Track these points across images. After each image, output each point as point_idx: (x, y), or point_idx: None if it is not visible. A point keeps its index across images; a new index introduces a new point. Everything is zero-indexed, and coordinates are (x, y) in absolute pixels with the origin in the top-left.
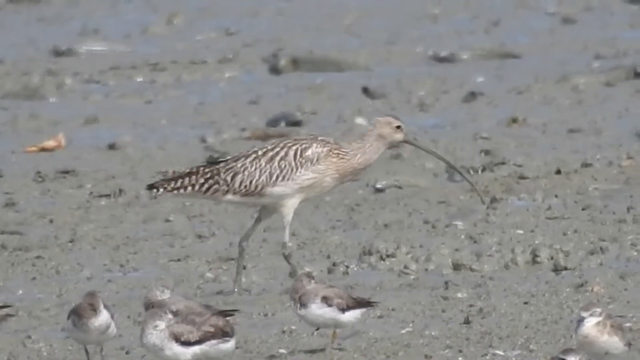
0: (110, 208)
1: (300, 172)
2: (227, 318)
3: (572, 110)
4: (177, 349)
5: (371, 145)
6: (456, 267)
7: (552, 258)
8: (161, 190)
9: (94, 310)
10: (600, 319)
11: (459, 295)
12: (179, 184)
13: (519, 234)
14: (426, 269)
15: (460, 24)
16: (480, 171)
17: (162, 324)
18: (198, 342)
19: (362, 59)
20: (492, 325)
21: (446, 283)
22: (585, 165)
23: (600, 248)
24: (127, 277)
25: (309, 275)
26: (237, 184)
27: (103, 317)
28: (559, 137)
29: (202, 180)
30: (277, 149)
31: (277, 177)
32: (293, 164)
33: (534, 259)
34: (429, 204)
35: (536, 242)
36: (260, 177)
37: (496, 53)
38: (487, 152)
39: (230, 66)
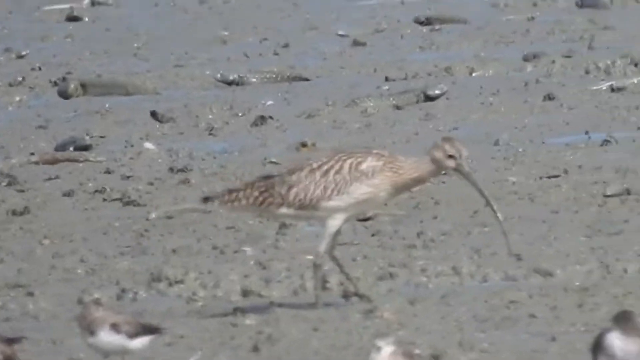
0: None
1: (355, 185)
2: (14, 346)
3: (362, 133)
4: None
5: (424, 164)
6: (245, 293)
7: (341, 284)
8: (216, 202)
9: None
10: (394, 348)
11: (248, 321)
12: (234, 196)
13: (309, 260)
14: (215, 295)
15: (249, 47)
16: None
17: None
18: None
19: (150, 82)
20: (281, 352)
21: (235, 309)
22: None
23: (390, 274)
24: None
25: (97, 302)
26: (291, 197)
27: None
28: None
29: (256, 193)
30: (332, 162)
31: (332, 191)
32: (348, 177)
33: (324, 285)
34: (218, 229)
35: (325, 268)
36: (315, 190)
37: (285, 76)
38: None
39: (19, 90)
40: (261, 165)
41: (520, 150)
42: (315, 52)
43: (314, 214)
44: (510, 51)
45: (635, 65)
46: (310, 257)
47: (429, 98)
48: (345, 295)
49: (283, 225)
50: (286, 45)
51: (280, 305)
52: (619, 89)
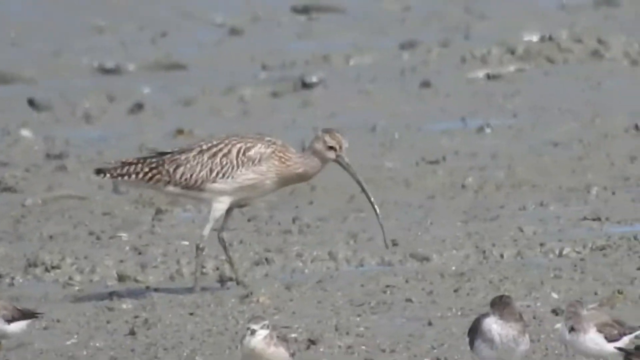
0: None
1: (241, 170)
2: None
3: (239, 121)
4: None
5: (309, 158)
6: (121, 278)
7: (217, 269)
8: (107, 175)
9: None
10: (268, 331)
11: (124, 306)
12: (125, 170)
13: (185, 245)
14: (91, 280)
15: (127, 35)
16: None
17: None
18: None
19: (27, 71)
20: (157, 336)
21: (111, 294)
22: None
23: (266, 259)
24: None
25: None
26: (178, 176)
27: None
28: None
29: (146, 169)
30: (221, 145)
31: (218, 174)
32: (235, 162)
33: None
34: (94, 215)
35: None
36: (201, 172)
37: (163, 64)
38: None
39: None
40: (138, 152)
41: (396, 136)
42: (192, 40)
43: (199, 194)
44: (387, 40)
45: (511, 53)
46: (186, 242)
47: (307, 86)
48: (222, 280)
49: (159, 211)
50: (164, 34)
51: (157, 290)
52: (495, 77)
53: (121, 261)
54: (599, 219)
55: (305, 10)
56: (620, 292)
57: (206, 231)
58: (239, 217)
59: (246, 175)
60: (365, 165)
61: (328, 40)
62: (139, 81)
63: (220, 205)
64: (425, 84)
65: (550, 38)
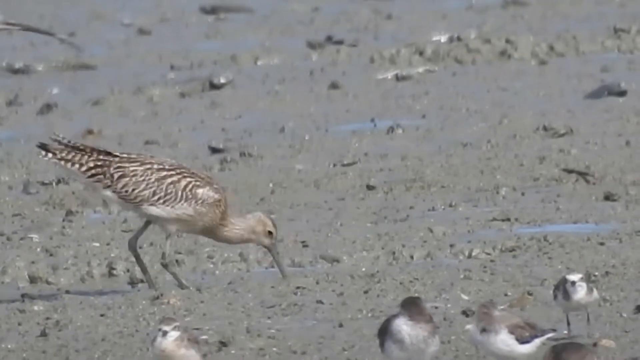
0: None
1: (182, 204)
2: None
3: (148, 122)
4: None
5: (241, 230)
6: (32, 280)
7: (128, 271)
8: (50, 155)
9: None
10: (179, 333)
11: (36, 308)
12: (70, 156)
13: (96, 247)
14: (2, 282)
15: (35, 35)
16: (55, 184)
17: None
18: None
19: None
20: (68, 337)
21: (22, 296)
22: None
23: (177, 260)
24: None
25: None
26: (119, 185)
27: None
28: (135, 149)
29: (91, 164)
30: (173, 172)
31: (159, 199)
32: (180, 193)
33: (110, 272)
34: (4, 216)
35: (112, 255)
36: (143, 190)
37: (71, 65)
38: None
39: None
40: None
41: (306, 138)
42: (101, 40)
43: (133, 209)
44: (295, 40)
45: (420, 54)
46: (97, 244)
47: (215, 86)
48: (132, 282)
49: (69, 213)
50: (72, 34)
51: (68, 291)
52: (404, 78)
53: (32, 262)
54: (508, 220)
55: (213, 10)
56: (530, 294)
57: (167, 248)
58: None
59: (186, 210)
60: (274, 167)
61: (236, 40)
62: (47, 81)
63: (167, 226)
64: (334, 85)
65: (458, 39)
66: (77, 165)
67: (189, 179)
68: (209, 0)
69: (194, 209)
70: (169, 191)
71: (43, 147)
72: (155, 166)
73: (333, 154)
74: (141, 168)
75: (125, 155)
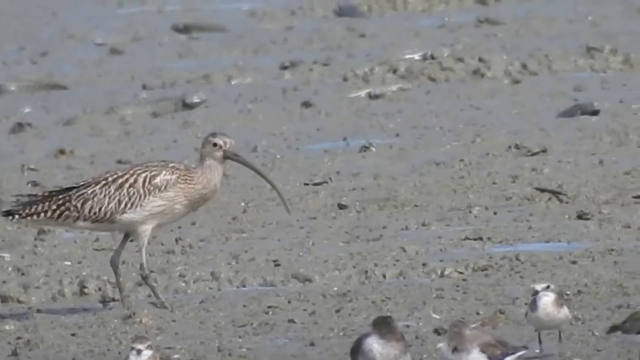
0: None
1: (148, 199)
2: None
3: (120, 141)
4: None
5: (204, 167)
6: (4, 299)
7: (99, 289)
8: (17, 217)
9: None
10: (152, 351)
11: (7, 327)
12: (33, 210)
13: (67, 266)
14: None
15: (7, 54)
16: None
17: None
18: None
19: None
20: (39, 357)
21: None
22: None
23: None
24: None
25: None
26: (87, 211)
27: None
28: (108, 168)
29: (54, 207)
30: (127, 176)
31: (126, 205)
32: (142, 191)
33: (82, 291)
34: None
35: (84, 273)
36: (109, 204)
37: (44, 84)
38: (35, 184)
39: None
40: (20, 171)
41: (278, 156)
42: (73, 60)
43: (112, 226)
44: (268, 59)
45: (393, 72)
46: (69, 262)
47: (188, 106)
48: (104, 301)
49: (41, 232)
50: (44, 54)
51: (39, 310)
52: (377, 96)
53: (4, 282)
54: (480, 239)
55: (186, 29)
56: (502, 312)
57: (143, 259)
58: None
59: (154, 203)
60: (247, 186)
61: (209, 59)
62: (20, 101)
63: (144, 227)
64: (307, 104)
65: (432, 57)
66: (42, 214)
67: (144, 174)
68: (182, 20)
69: (161, 198)
70: (131, 194)
71: (7, 213)
72: (110, 178)
73: (305, 172)
74: (98, 187)
75: (80, 184)
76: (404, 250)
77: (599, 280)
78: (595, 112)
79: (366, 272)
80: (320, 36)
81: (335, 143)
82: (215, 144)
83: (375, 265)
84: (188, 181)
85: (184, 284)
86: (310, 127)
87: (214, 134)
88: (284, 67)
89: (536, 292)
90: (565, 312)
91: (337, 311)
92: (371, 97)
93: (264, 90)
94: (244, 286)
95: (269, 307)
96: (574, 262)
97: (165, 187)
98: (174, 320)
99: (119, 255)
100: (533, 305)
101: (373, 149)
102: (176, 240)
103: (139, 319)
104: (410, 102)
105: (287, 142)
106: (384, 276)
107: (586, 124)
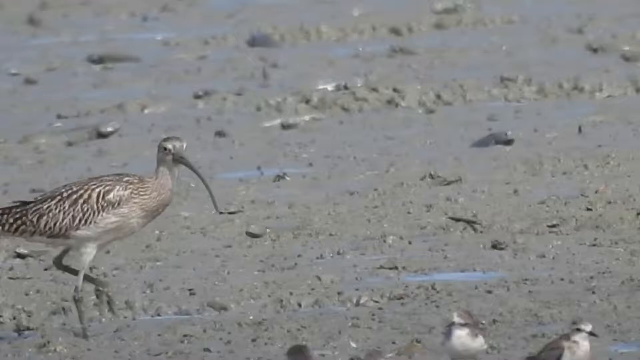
0: None
1: (102, 215)
2: None
3: (34, 170)
4: None
5: (158, 172)
6: None
7: (14, 318)
8: None
9: None
10: None
11: None
12: None
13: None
14: None
15: None
16: None
17: None
18: None
19: None
20: None
21: None
22: None
23: (63, 308)
24: None
25: None
26: (42, 226)
27: None
28: (22, 197)
29: (11, 220)
30: (81, 191)
31: (80, 221)
32: (95, 207)
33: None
34: None
35: None
36: (63, 220)
37: None
38: None
39: None
40: None
41: (192, 185)
42: None
43: (66, 242)
44: (181, 89)
45: (306, 102)
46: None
47: (102, 135)
48: (19, 329)
49: None
50: None
51: None
52: (290, 126)
53: None
54: (396, 268)
55: (100, 60)
56: (418, 341)
57: (79, 282)
58: (35, 265)
59: (108, 219)
60: (161, 215)
61: (123, 89)
62: None
63: (88, 250)
64: (220, 133)
65: (345, 87)
66: (0, 227)
67: (97, 190)
68: (96, 50)
69: (114, 214)
70: (85, 209)
71: None
72: (65, 194)
73: (220, 201)
74: (53, 202)
75: (38, 198)
76: (319, 279)
77: (514, 310)
78: (509, 142)
79: (282, 300)
80: (233, 66)
81: (249, 172)
82: (165, 148)
83: (291, 294)
84: (142, 194)
85: (98, 313)
86: (224, 156)
87: (165, 139)
88: (198, 97)
89: (452, 323)
90: (480, 341)
91: (253, 340)
92: (284, 127)
93: (177, 119)
94: (158, 315)
95: (185, 335)
96: (489, 292)
97: (119, 204)
98: (89, 349)
99: (61, 258)
100: (448, 334)
101: (287, 178)
102: (90, 269)
103: (53, 348)
104: (324, 132)
105: (201, 171)
106: (300, 305)
107: (500, 154)
